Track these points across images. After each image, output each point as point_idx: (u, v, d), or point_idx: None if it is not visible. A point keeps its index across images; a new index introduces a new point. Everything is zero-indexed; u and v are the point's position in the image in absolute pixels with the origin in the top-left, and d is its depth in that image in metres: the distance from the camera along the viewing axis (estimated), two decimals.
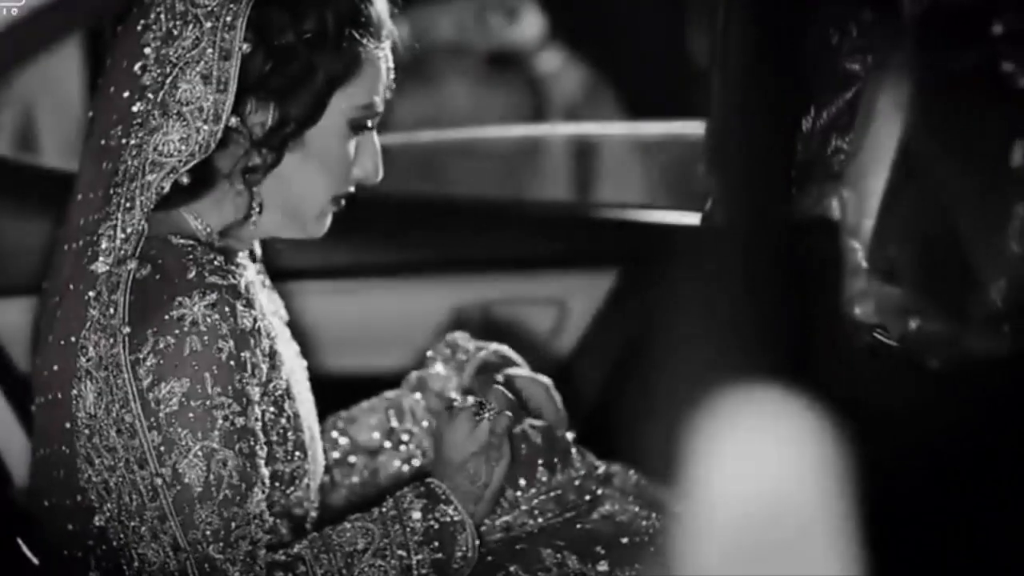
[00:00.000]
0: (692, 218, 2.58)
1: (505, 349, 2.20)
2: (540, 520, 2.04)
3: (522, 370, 2.17)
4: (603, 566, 1.97)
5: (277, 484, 1.90)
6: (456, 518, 1.88)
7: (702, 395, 1.85)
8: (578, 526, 2.04)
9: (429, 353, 2.21)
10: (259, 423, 1.82)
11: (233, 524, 1.78)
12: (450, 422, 1.93)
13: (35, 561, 1.96)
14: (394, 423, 2.19)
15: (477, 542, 1.90)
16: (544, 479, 2.06)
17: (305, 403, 2.01)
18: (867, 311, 1.94)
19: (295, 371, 2.00)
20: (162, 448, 1.76)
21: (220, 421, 1.77)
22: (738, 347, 1.90)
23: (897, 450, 1.91)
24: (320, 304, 2.77)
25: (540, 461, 2.06)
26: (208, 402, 1.76)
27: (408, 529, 1.85)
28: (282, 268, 2.26)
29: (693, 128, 3.46)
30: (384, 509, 1.88)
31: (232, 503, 1.78)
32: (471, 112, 4.82)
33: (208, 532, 1.77)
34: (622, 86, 4.97)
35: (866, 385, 1.94)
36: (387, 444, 2.20)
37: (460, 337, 2.21)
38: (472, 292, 2.93)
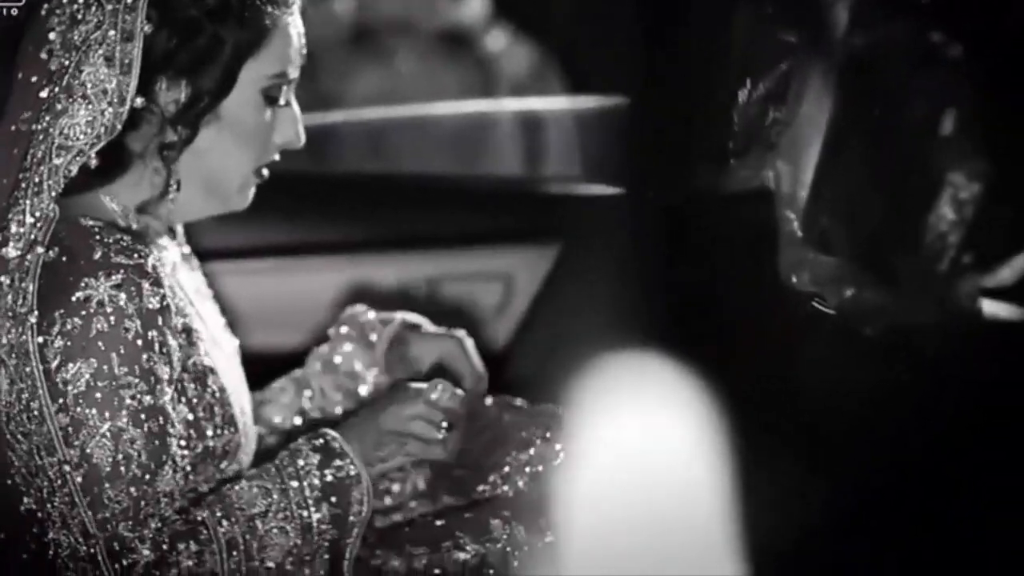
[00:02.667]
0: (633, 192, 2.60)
1: (411, 316, 2.19)
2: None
3: (433, 329, 2.17)
4: (550, 538, 1.99)
5: (210, 460, 1.91)
6: (352, 472, 1.88)
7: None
8: (526, 498, 2.06)
9: (331, 332, 2.20)
10: (172, 402, 1.83)
11: (142, 503, 1.78)
12: (403, 395, 1.94)
13: None
14: (306, 404, 2.20)
15: (371, 499, 1.90)
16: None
17: (234, 378, 2.01)
18: (804, 280, 1.96)
19: (221, 346, 2.01)
20: (70, 429, 1.77)
21: (128, 400, 1.78)
22: (673, 317, 1.92)
23: (835, 417, 1.93)
24: (265, 282, 2.77)
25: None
26: (115, 382, 1.77)
27: (307, 485, 1.86)
28: (228, 247, 2.25)
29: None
30: (281, 464, 1.89)
31: (141, 481, 1.78)
32: (419, 89, 4.82)
33: (117, 511, 1.78)
34: (567, 63, 4.97)
35: (804, 353, 1.97)
36: (299, 423, 2.20)
37: (360, 312, 2.20)
38: (418, 268, 2.93)
